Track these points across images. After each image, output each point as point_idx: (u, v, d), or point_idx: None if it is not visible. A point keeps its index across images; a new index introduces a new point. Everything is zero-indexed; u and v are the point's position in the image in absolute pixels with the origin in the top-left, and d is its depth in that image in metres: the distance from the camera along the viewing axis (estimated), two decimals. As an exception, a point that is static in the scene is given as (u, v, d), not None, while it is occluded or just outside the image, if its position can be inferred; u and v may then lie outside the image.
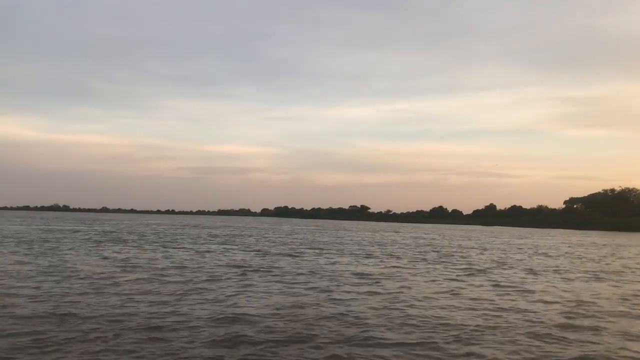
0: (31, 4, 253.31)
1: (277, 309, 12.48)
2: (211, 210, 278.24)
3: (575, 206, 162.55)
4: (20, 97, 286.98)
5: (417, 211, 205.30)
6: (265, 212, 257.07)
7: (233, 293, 14.64)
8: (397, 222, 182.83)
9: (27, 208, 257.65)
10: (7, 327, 9.70)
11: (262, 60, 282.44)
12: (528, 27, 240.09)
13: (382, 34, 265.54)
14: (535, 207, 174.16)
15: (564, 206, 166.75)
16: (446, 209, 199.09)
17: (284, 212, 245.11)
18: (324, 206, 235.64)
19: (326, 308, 12.72)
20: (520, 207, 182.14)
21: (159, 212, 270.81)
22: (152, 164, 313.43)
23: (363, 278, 19.20)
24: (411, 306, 13.35)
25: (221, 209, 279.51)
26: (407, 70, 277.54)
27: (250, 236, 49.48)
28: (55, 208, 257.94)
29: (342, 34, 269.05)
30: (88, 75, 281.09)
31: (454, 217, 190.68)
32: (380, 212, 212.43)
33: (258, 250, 31.37)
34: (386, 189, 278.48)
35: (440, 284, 18.37)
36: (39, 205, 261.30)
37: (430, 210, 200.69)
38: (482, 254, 34.00)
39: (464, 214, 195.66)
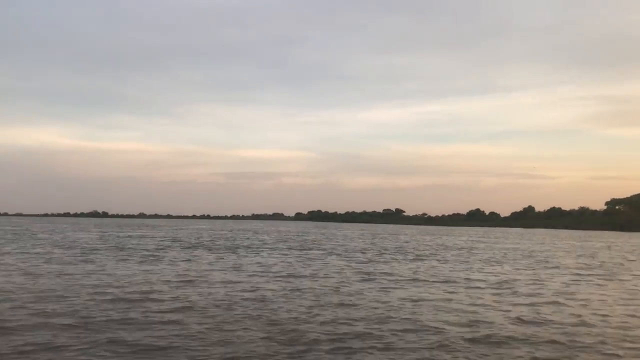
0: (67, 15, 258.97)
1: (507, 322, 11.99)
2: (245, 215, 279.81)
3: (617, 207, 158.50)
4: (59, 106, 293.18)
5: (454, 214, 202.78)
6: (299, 217, 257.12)
7: (430, 307, 14.15)
8: (434, 225, 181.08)
9: (67, 215, 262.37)
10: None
11: (294, 65, 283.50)
12: (561, 26, 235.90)
13: (413, 37, 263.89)
14: (577, 208, 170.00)
15: (605, 207, 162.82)
16: (483, 211, 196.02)
17: (317, 216, 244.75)
18: (357, 209, 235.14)
19: (548, 326, 12.11)
20: (560, 208, 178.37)
21: (194, 217, 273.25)
22: (186, 169, 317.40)
23: (502, 286, 18.52)
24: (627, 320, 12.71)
25: (255, 213, 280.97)
26: (439, 72, 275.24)
27: (319, 241, 49.07)
28: (94, 214, 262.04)
29: (373, 38, 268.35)
30: (124, 84, 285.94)
31: (491, 219, 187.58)
32: (416, 215, 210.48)
33: (353, 257, 30.87)
34: (419, 192, 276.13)
35: (599, 292, 17.65)
36: (78, 212, 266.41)
37: (467, 212, 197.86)
38: (579, 258, 33.06)
39: (502, 216, 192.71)
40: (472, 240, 57.92)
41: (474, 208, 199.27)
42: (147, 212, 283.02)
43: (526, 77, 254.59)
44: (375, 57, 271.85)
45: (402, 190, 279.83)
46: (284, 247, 38.85)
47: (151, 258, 26.99)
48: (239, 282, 17.94)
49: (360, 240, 52.55)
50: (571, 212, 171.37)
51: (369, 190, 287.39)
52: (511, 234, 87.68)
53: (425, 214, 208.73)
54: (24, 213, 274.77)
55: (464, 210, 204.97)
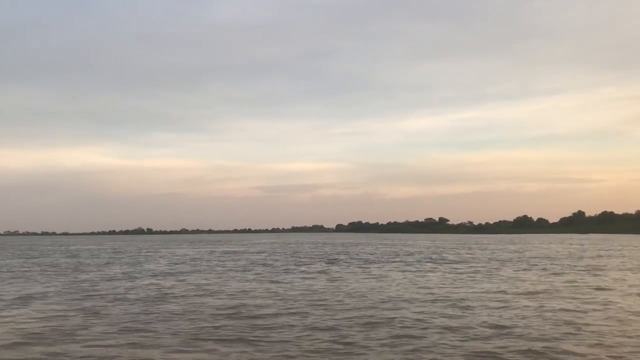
0: (106, 38, 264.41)
1: None
2: (285, 228, 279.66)
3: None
4: (100, 127, 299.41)
5: (501, 221, 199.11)
6: (340, 228, 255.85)
7: None
8: (481, 233, 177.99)
9: (113, 232, 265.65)
10: None
11: (327, 77, 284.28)
12: (600, 25, 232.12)
13: (448, 43, 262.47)
14: (633, 212, 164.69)
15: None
16: (530, 217, 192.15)
17: (358, 227, 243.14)
18: (396, 220, 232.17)
19: None
20: (612, 212, 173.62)
21: (235, 231, 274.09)
22: (224, 184, 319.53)
23: None
24: None
25: (295, 225, 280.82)
26: (475, 78, 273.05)
27: (420, 253, 48.04)
28: (139, 231, 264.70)
29: (406, 46, 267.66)
30: (161, 102, 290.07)
31: (539, 226, 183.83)
32: (461, 223, 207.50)
33: (518, 267, 29.87)
34: (459, 200, 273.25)
35: None
36: (124, 229, 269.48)
37: (514, 219, 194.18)
38: None
39: (550, 222, 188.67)
40: (576, 248, 56.18)
41: (515, 215, 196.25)
42: (189, 228, 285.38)
43: (565, 80, 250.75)
44: (409, 65, 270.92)
45: (442, 199, 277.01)
46: (412, 261, 37.92)
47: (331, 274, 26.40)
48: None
49: (473, 252, 51.27)
50: (625, 216, 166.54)
51: (407, 200, 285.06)
52: (585, 240, 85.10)
53: (471, 222, 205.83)
54: (70, 232, 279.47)
55: (506, 217, 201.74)
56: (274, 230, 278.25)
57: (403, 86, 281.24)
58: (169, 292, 19.40)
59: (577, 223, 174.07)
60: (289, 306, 15.68)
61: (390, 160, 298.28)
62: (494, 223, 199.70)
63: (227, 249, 59.42)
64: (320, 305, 15.88)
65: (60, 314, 14.54)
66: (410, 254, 46.42)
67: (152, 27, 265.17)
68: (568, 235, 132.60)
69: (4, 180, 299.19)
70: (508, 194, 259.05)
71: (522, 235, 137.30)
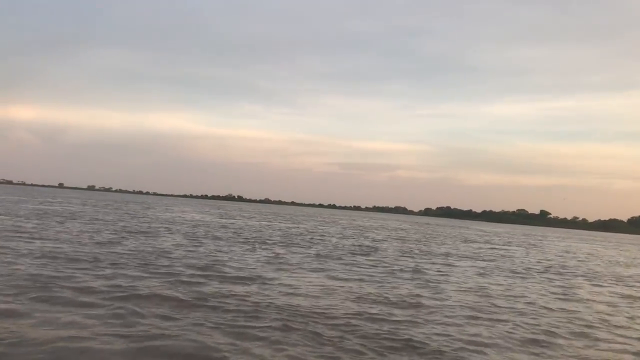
0: (201, 8, 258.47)
1: None
2: (368, 207, 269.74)
3: None
4: (188, 94, 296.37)
5: (611, 219, 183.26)
6: (428, 212, 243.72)
7: None
8: (601, 231, 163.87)
9: (205, 197, 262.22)
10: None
11: (417, 56, 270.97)
12: None
13: (546, 27, 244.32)
14: None
15: None
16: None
17: (448, 213, 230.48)
18: (478, 208, 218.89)
19: None
20: None
21: (321, 205, 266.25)
22: (304, 158, 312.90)
23: None
24: None
25: (376, 205, 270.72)
26: (572, 66, 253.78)
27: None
28: (229, 198, 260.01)
29: (502, 29, 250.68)
30: (251, 74, 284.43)
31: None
32: (565, 218, 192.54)
33: None
34: (543, 192, 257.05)
35: None
36: (214, 195, 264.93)
37: (628, 219, 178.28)
38: None
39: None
40: None
41: (606, 212, 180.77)
42: (272, 198, 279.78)
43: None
44: (503, 48, 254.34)
45: (525, 189, 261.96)
46: None
47: None
48: None
49: None
50: None
51: (487, 188, 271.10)
52: None
53: (577, 218, 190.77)
54: (159, 193, 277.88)
55: (594, 214, 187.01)
56: (356, 208, 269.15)
57: (494, 70, 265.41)
58: None
59: None
60: None
61: (474, 146, 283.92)
62: (604, 220, 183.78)
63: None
64: None
65: None
66: None
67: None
68: None
69: (106, 139, 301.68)
70: (596, 189, 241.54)
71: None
